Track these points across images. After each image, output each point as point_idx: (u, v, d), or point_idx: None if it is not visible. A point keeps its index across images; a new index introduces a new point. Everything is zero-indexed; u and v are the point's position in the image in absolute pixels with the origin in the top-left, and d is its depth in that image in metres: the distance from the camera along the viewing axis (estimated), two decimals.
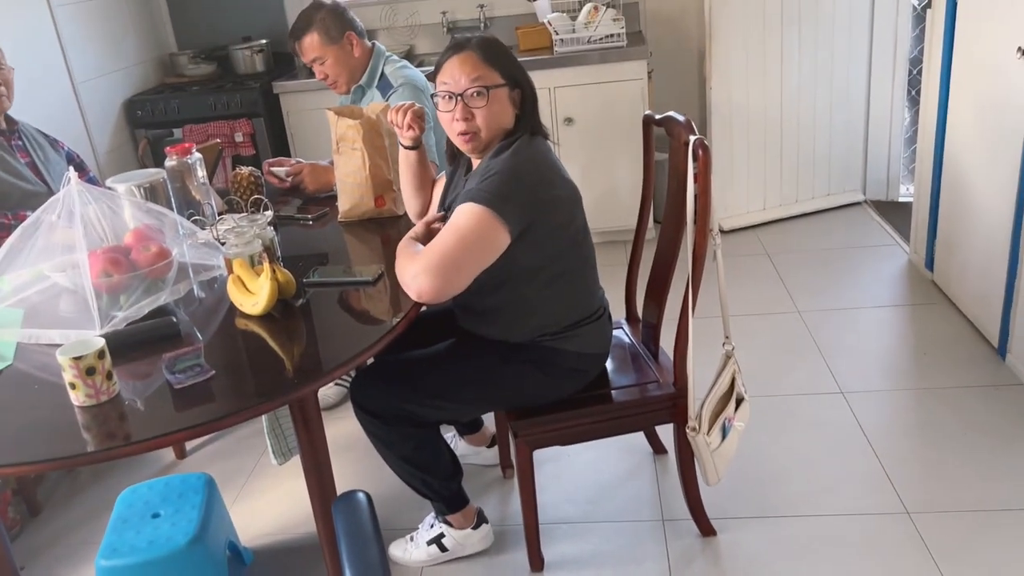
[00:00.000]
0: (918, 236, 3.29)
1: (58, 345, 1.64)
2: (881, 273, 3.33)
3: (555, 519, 2.15)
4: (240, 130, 3.72)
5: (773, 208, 3.95)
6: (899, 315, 3.01)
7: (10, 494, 2.35)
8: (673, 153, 1.94)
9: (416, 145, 1.96)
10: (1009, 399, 2.43)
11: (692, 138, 1.75)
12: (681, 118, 1.87)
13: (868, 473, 2.20)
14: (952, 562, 1.88)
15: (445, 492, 1.98)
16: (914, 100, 4.36)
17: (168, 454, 2.61)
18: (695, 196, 1.74)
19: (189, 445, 2.64)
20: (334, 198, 2.41)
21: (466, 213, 1.63)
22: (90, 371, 1.39)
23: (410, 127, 1.89)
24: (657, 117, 1.99)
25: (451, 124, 1.74)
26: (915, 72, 3.91)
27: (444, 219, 1.78)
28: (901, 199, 4.07)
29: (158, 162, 3.64)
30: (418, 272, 1.59)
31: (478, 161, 1.80)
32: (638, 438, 2.39)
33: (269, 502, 2.37)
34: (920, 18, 3.73)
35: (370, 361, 1.73)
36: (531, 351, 1.82)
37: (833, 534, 2.01)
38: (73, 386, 1.40)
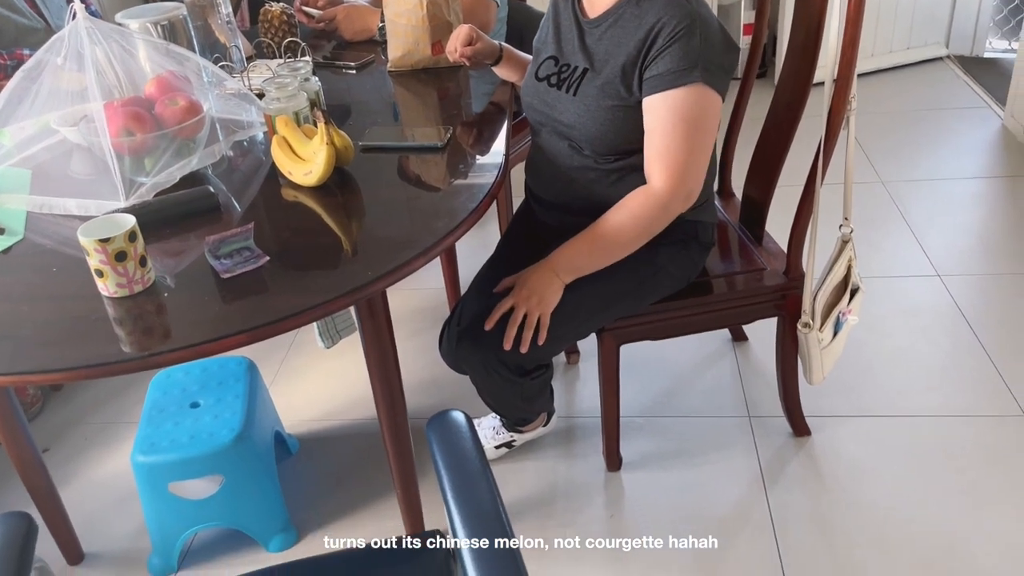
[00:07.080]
0: (1017, 99, 2.95)
1: (76, 217, 1.39)
2: (973, 139, 3.01)
3: (629, 413, 1.95)
4: None
5: None
6: (997, 188, 2.72)
7: None
8: None
9: (498, 59, 1.70)
10: None
11: None
12: None
13: (977, 369, 1.98)
14: None
15: (533, 418, 1.81)
16: None
17: None
18: (840, 48, 1.43)
19: None
20: (376, 44, 2.08)
21: (697, 99, 1.34)
22: (120, 256, 1.13)
23: (463, 57, 1.65)
24: None
25: None
26: None
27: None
28: (987, 54, 3.68)
29: None
30: (660, 196, 1.39)
31: None
32: None
33: (310, 384, 2.18)
34: None
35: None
36: (677, 229, 1.51)
37: (941, 437, 1.81)
38: (100, 273, 1.14)
